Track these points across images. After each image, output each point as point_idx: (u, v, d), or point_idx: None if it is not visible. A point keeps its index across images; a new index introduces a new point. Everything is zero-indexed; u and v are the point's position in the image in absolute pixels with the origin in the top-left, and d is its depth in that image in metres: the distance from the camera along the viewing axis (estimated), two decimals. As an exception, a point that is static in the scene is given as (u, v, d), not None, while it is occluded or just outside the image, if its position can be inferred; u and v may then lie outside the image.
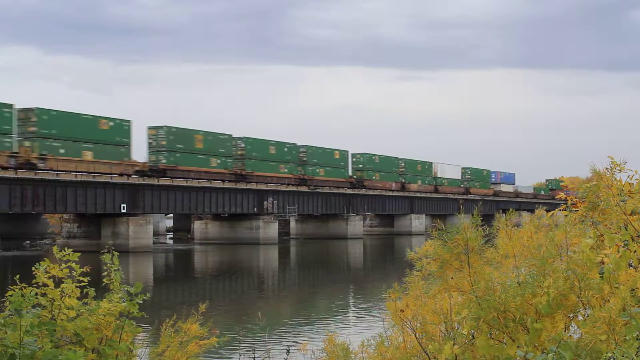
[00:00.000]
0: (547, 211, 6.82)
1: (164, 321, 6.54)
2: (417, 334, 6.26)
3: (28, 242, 76.43)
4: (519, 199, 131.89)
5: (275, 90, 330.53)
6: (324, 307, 31.59)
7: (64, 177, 56.11)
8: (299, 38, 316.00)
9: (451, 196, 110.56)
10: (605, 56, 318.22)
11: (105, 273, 5.89)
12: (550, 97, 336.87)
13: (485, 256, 6.01)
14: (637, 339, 4.10)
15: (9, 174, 52.35)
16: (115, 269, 5.85)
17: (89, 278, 5.80)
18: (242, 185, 74.00)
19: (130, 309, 5.59)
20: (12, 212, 54.48)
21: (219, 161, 73.03)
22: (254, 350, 15.22)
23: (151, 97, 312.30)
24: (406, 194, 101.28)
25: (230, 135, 76.32)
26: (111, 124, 61.81)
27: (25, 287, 5.26)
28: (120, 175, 61.52)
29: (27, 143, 54.53)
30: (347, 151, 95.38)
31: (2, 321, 4.97)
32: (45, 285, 5.58)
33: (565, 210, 6.22)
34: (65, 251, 5.77)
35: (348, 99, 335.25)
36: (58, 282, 5.68)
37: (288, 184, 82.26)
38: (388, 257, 65.80)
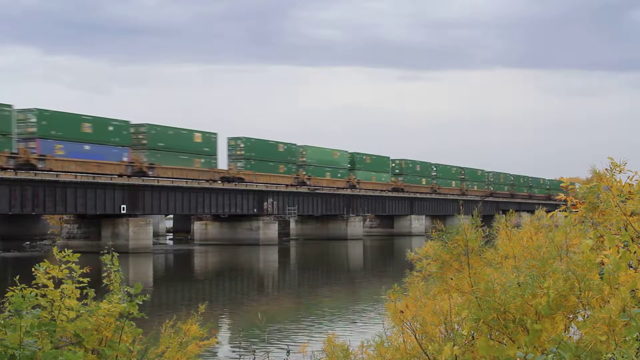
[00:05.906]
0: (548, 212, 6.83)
1: (163, 322, 6.53)
2: (417, 335, 6.25)
3: (28, 243, 76.41)
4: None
5: (275, 90, 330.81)
6: (324, 308, 31.57)
7: (64, 177, 56.10)
8: (299, 38, 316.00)
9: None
10: (605, 56, 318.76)
11: (105, 274, 5.89)
12: (550, 97, 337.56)
13: (485, 257, 6.01)
14: (637, 339, 4.10)
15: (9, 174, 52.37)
16: (115, 269, 5.84)
17: (88, 279, 5.80)
18: (242, 186, 73.90)
19: (130, 310, 5.59)
20: (12, 212, 54.45)
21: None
22: (254, 351, 15.21)
23: (151, 97, 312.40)
24: (405, 195, 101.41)
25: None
26: None
27: (25, 288, 5.25)
28: None
29: None
30: (216, 134, 72.49)
31: (2, 322, 4.97)
32: (45, 286, 5.58)
33: (565, 211, 6.22)
34: (65, 252, 5.77)
35: (348, 99, 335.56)
36: (58, 283, 5.68)
37: (124, 175, 61.43)
38: (388, 258, 65.77)
